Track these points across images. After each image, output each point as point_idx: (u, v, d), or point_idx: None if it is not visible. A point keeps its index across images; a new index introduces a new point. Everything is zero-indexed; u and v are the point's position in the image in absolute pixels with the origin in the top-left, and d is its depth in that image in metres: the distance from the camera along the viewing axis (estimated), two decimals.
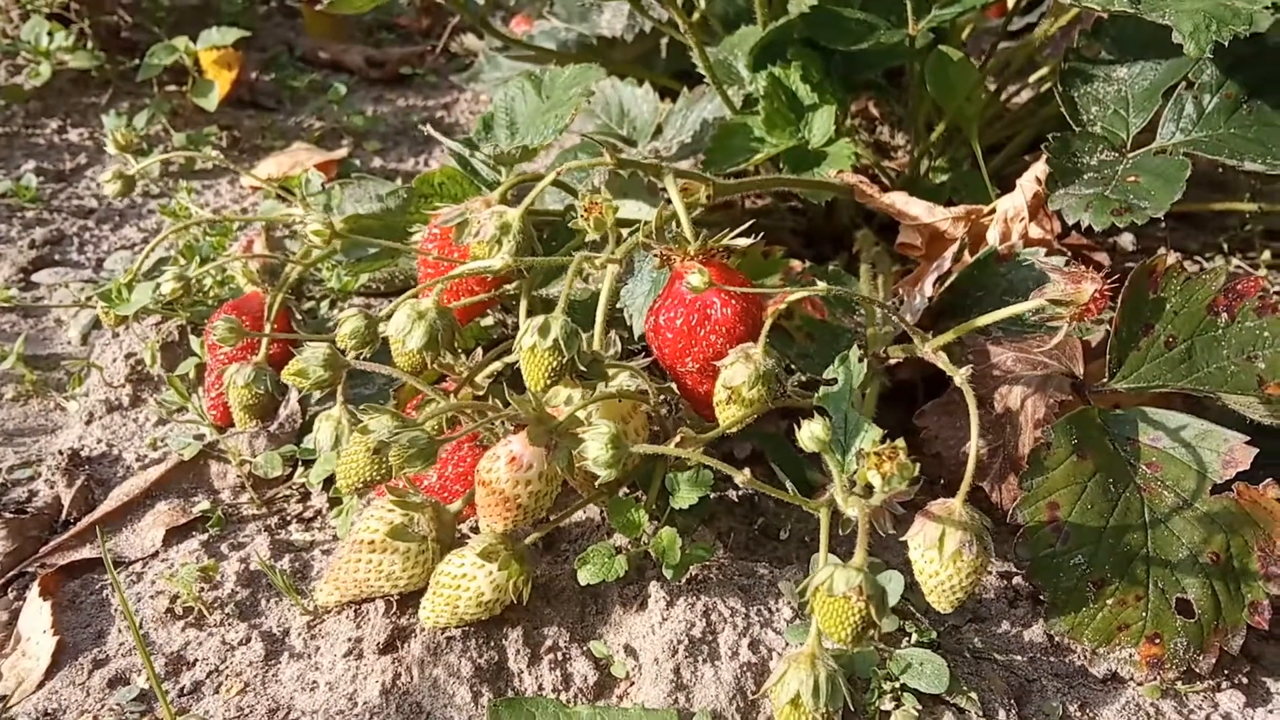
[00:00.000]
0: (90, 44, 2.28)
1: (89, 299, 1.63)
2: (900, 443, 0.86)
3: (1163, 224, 2.06)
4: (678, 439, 1.03)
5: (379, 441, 0.96)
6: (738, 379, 1.03)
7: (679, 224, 1.12)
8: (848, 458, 1.00)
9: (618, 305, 1.27)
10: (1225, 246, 1.99)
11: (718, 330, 1.08)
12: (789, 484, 1.00)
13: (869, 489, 0.88)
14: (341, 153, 2.19)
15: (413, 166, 2.28)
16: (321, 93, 2.50)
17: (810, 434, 0.90)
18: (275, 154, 2.17)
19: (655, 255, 1.11)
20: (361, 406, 1.02)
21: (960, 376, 1.01)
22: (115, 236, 1.91)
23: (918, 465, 0.85)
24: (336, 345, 1.09)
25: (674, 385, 1.15)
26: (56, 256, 1.83)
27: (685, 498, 1.09)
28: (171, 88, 2.32)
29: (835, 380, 1.08)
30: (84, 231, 1.91)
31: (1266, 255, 1.88)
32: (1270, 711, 1.11)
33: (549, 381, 0.98)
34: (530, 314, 1.17)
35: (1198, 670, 1.11)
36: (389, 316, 1.09)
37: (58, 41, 2.17)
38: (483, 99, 2.55)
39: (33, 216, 1.92)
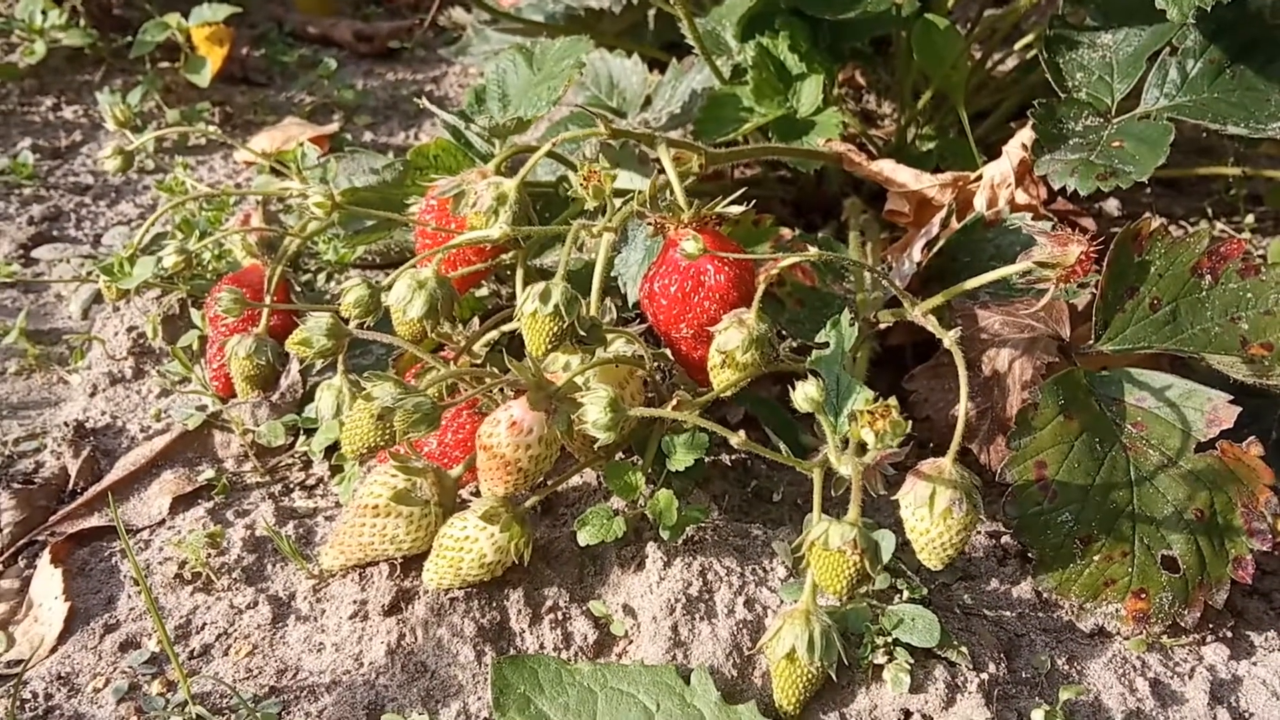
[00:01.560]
0: (83, 21, 2.28)
1: (90, 274, 1.65)
2: (892, 401, 0.88)
3: (1148, 189, 2.08)
4: (674, 402, 1.05)
5: (383, 407, 0.98)
6: (732, 343, 1.06)
7: (672, 193, 1.14)
8: (840, 419, 1.03)
9: (612, 274, 1.29)
10: (1210, 211, 2.01)
11: (711, 296, 1.11)
12: (782, 446, 1.02)
13: (862, 447, 0.90)
14: (333, 127, 2.20)
15: (404, 140, 2.29)
16: (311, 68, 2.50)
17: (804, 395, 0.92)
18: (267, 129, 2.18)
19: (649, 224, 1.13)
20: (365, 374, 1.04)
21: (949, 339, 1.04)
22: (112, 212, 1.92)
23: (910, 423, 0.88)
24: (339, 314, 1.10)
25: (668, 351, 1.18)
26: (55, 233, 1.84)
27: (681, 460, 1.12)
28: (164, 64, 2.33)
29: (827, 344, 1.10)
30: (81, 208, 1.92)
31: (1250, 219, 1.91)
32: (1254, 664, 1.14)
33: (550, 346, 1.00)
34: (527, 283, 1.20)
35: (1183, 624, 1.14)
36: (390, 286, 1.11)
37: (51, 20, 2.17)
38: (471, 72, 2.56)
39: (30, 194, 1.93)
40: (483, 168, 1.23)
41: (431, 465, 1.12)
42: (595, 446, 1.05)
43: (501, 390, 1.13)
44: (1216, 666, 1.13)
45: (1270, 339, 1.21)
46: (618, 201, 1.26)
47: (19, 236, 1.80)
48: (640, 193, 1.12)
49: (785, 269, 1.34)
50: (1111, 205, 1.99)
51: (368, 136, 2.27)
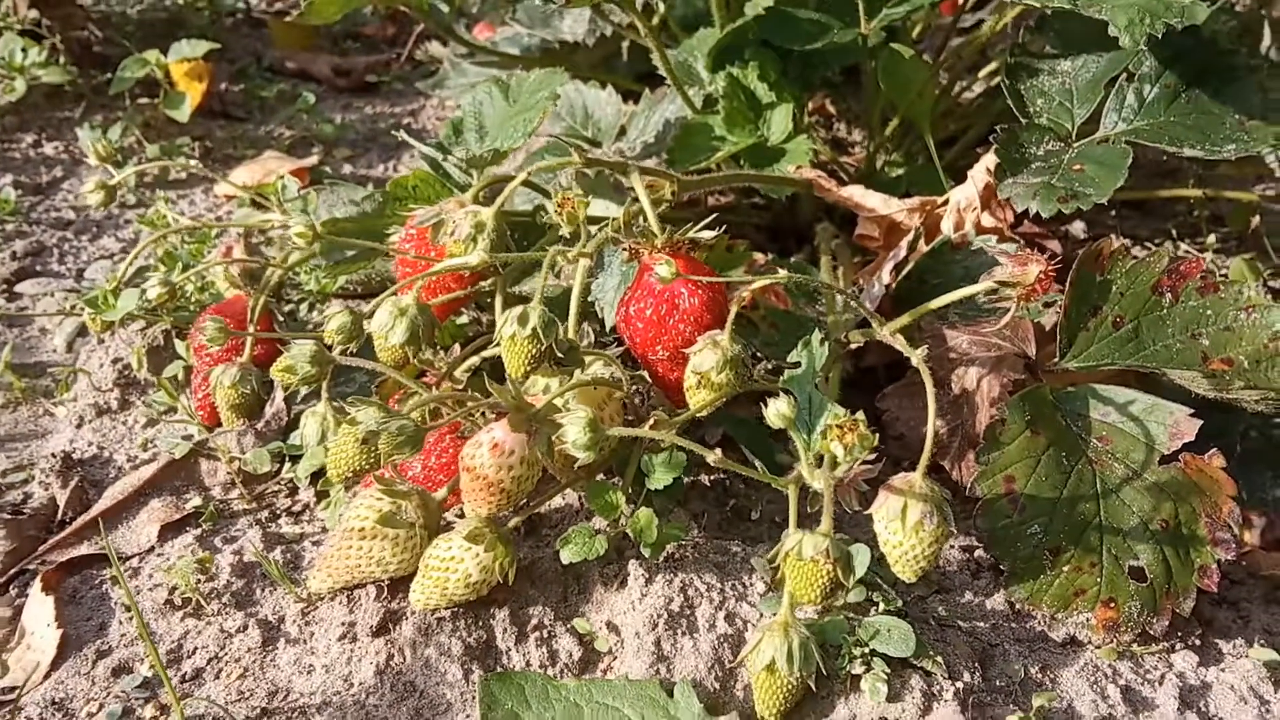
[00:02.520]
0: (63, 59, 2.31)
1: (74, 307, 1.67)
2: (860, 415, 0.91)
3: (1113, 212, 2.14)
4: (651, 422, 1.08)
5: (368, 431, 1.00)
6: (707, 364, 1.09)
7: (646, 219, 1.17)
8: (813, 436, 1.06)
9: (589, 299, 1.32)
10: (1174, 232, 2.06)
11: (686, 319, 1.14)
12: (758, 463, 1.05)
13: (834, 461, 0.93)
14: (312, 160, 2.23)
15: (382, 172, 2.32)
16: (290, 102, 2.54)
17: (776, 411, 0.95)
18: (247, 163, 2.21)
19: (624, 250, 1.16)
20: (349, 399, 1.07)
21: (917, 356, 1.07)
22: (94, 247, 1.94)
23: (878, 436, 0.91)
24: (323, 342, 1.13)
25: (645, 374, 1.21)
26: (38, 267, 1.86)
27: (660, 479, 1.14)
28: (143, 100, 2.35)
29: (799, 364, 1.14)
30: (63, 243, 1.94)
31: (1212, 239, 1.96)
32: (1223, 670, 1.17)
33: (529, 368, 1.03)
34: (506, 309, 1.23)
35: (1152, 633, 1.17)
36: (372, 314, 1.13)
37: (32, 57, 2.20)
38: (449, 105, 2.60)
39: (13, 229, 1.96)
40: (460, 197, 1.26)
41: (416, 488, 1.14)
42: (576, 467, 1.08)
43: (483, 414, 1.16)
44: (1186, 673, 1.16)
45: (1230, 354, 1.25)
46: (593, 228, 1.30)
47: (2, 272, 1.82)
48: (615, 220, 1.15)
49: (759, 293, 1.38)
50: (1077, 227, 2.04)
51: (347, 169, 2.30)
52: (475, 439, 1.05)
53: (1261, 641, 1.21)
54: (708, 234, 1.14)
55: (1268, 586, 1.32)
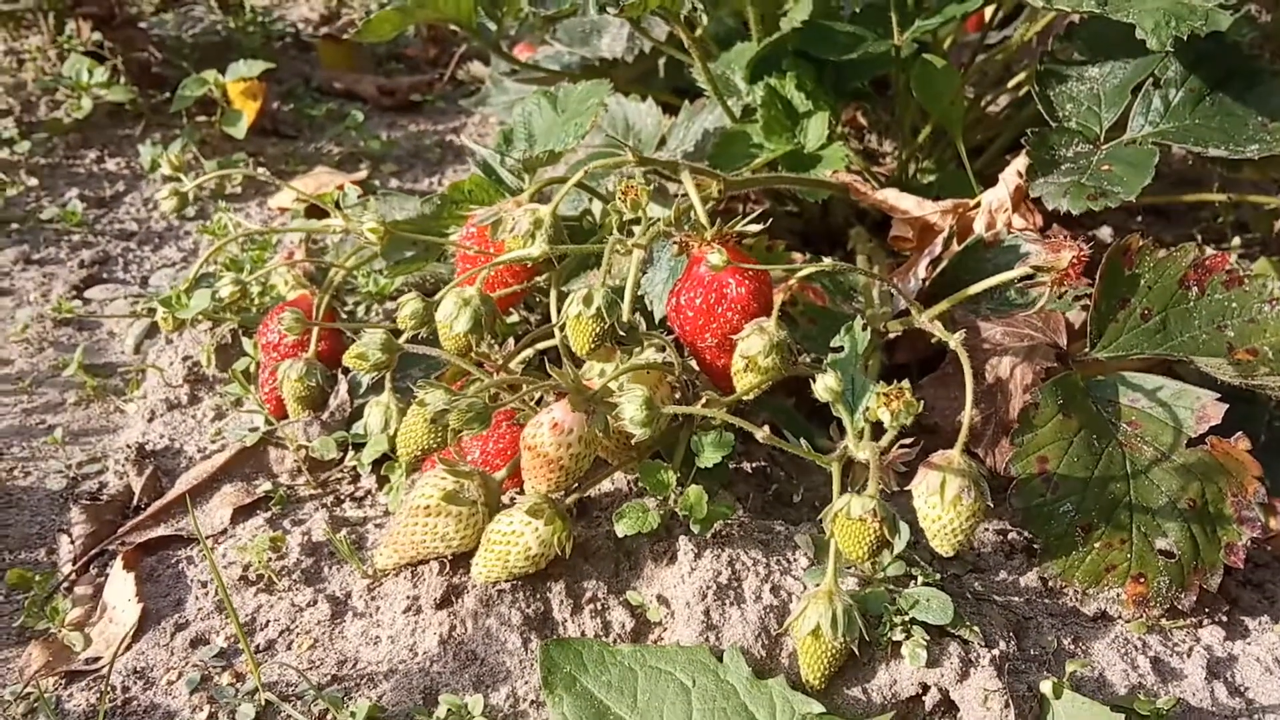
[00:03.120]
0: (124, 79, 2.41)
1: (143, 310, 1.75)
2: (905, 384, 0.97)
3: (1138, 217, 2.19)
4: (703, 401, 1.14)
5: (438, 409, 1.07)
6: (754, 349, 1.15)
7: (695, 216, 1.24)
8: (856, 415, 1.12)
9: (638, 293, 1.39)
10: (1198, 237, 2.11)
11: (733, 308, 1.20)
12: (803, 441, 1.11)
13: (878, 429, 0.99)
14: (361, 175, 2.32)
15: (427, 186, 2.40)
16: (338, 120, 2.63)
17: (824, 385, 1.02)
18: (299, 177, 2.29)
19: (674, 244, 1.23)
20: (417, 383, 1.14)
21: (954, 340, 1.13)
22: (156, 256, 2.03)
23: (922, 403, 0.97)
24: (396, 325, 1.20)
25: (693, 361, 1.27)
26: (105, 275, 1.95)
27: (710, 457, 1.20)
28: (200, 118, 2.45)
29: (841, 348, 1.20)
30: (127, 252, 2.03)
31: (1237, 241, 2.01)
32: (1249, 644, 1.22)
33: (593, 345, 1.09)
34: (559, 302, 1.30)
35: (1180, 607, 1.22)
36: (438, 304, 1.20)
37: (96, 78, 2.30)
38: (491, 121, 2.68)
39: (79, 239, 2.05)
40: (518, 198, 1.33)
41: (478, 469, 1.21)
42: (633, 444, 1.14)
43: (539, 400, 1.23)
44: (1213, 646, 1.21)
45: (1255, 344, 1.30)
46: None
47: (71, 279, 1.91)
48: (667, 215, 1.22)
49: (799, 290, 1.44)
50: (1105, 233, 2.09)
51: (393, 183, 2.39)
52: (536, 419, 1.12)
53: None
54: (754, 227, 1.20)
55: None
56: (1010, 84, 2.04)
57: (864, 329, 1.19)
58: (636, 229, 1.43)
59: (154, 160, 2.17)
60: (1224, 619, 1.25)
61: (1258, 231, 2.11)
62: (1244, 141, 1.46)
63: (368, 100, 2.79)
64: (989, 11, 2.15)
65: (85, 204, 2.16)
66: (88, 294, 1.88)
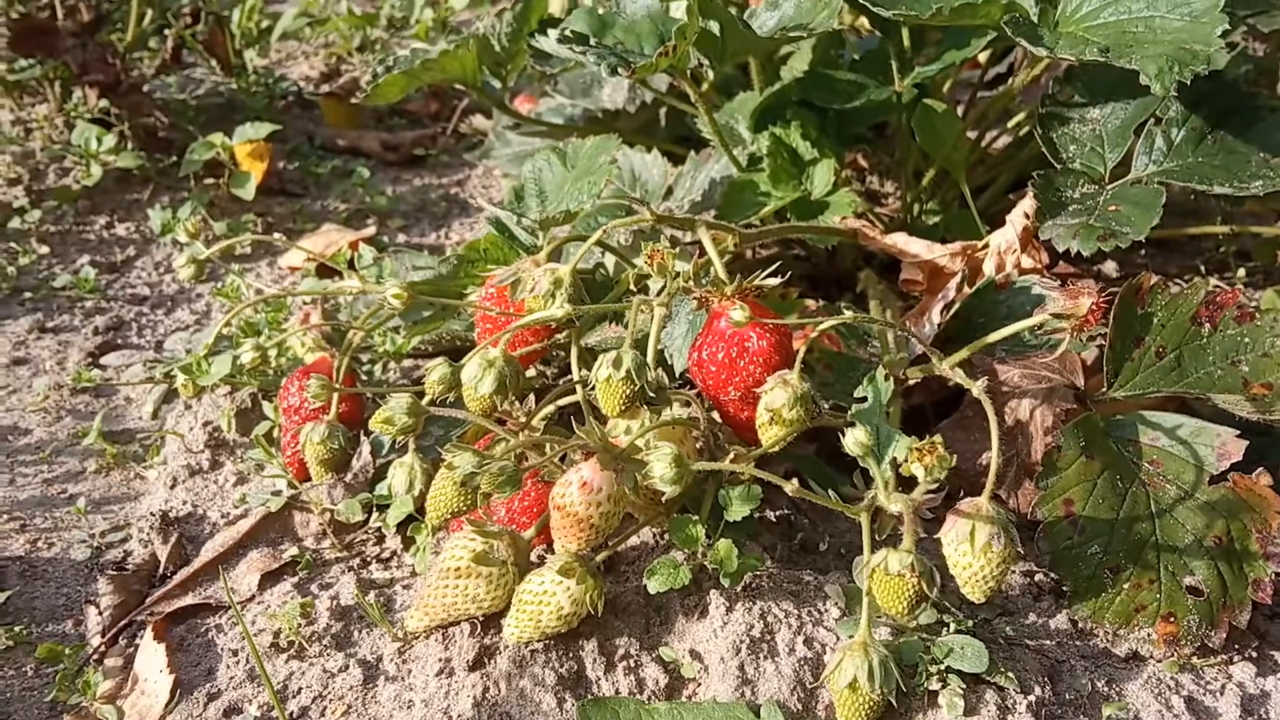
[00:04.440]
0: (131, 145, 2.43)
1: (165, 374, 1.76)
2: (938, 438, 0.98)
3: (1143, 251, 2.21)
4: (731, 456, 1.15)
5: (469, 473, 1.08)
6: (778, 401, 1.16)
7: (712, 271, 1.25)
8: (882, 465, 1.13)
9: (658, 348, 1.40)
10: (1203, 269, 2.13)
11: (756, 360, 1.21)
12: (830, 493, 1.12)
13: (907, 485, 1.00)
14: (369, 231, 2.33)
15: (435, 240, 2.42)
16: (344, 177, 2.65)
17: (854, 439, 1.03)
18: (308, 236, 2.31)
19: (694, 299, 1.24)
20: (444, 447, 1.14)
21: (977, 388, 1.14)
22: (170, 320, 2.05)
23: (955, 458, 0.98)
24: (415, 386, 1.21)
25: (717, 414, 1.28)
26: (119, 341, 1.96)
27: (738, 510, 1.21)
28: (208, 181, 2.47)
29: (865, 399, 1.21)
30: (141, 317, 2.05)
31: (1241, 273, 2.03)
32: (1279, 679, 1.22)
33: (624, 407, 1.10)
34: (580, 359, 1.31)
35: (1211, 645, 1.23)
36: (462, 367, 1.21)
37: (105, 144, 2.32)
38: (495, 173, 2.71)
39: (92, 306, 2.06)
40: (535, 257, 1.35)
41: (506, 529, 1.21)
42: (663, 501, 1.15)
43: (563, 458, 1.24)
44: (1245, 683, 1.21)
45: (1270, 379, 1.31)
46: (657, 283, 1.38)
47: (86, 346, 1.92)
48: (685, 271, 1.23)
49: (814, 337, 1.46)
50: (1110, 267, 2.11)
51: (400, 238, 2.41)
52: (565, 478, 1.13)
53: None
54: (772, 280, 1.21)
55: None
56: (1011, 123, 2.06)
57: (886, 378, 1.20)
58: (651, 283, 1.45)
59: (164, 224, 2.18)
60: (1254, 654, 1.26)
61: (1260, 261, 2.12)
62: (1247, 179, 1.48)
63: (372, 156, 2.81)
64: (984, 55, 2.19)
65: (97, 270, 2.17)
66: (103, 360, 1.89)
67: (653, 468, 1.07)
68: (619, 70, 1.41)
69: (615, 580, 1.30)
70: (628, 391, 1.10)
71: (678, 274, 1.20)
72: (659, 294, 1.22)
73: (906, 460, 0.99)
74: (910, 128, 1.84)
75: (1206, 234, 2.12)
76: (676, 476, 1.05)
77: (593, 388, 1.14)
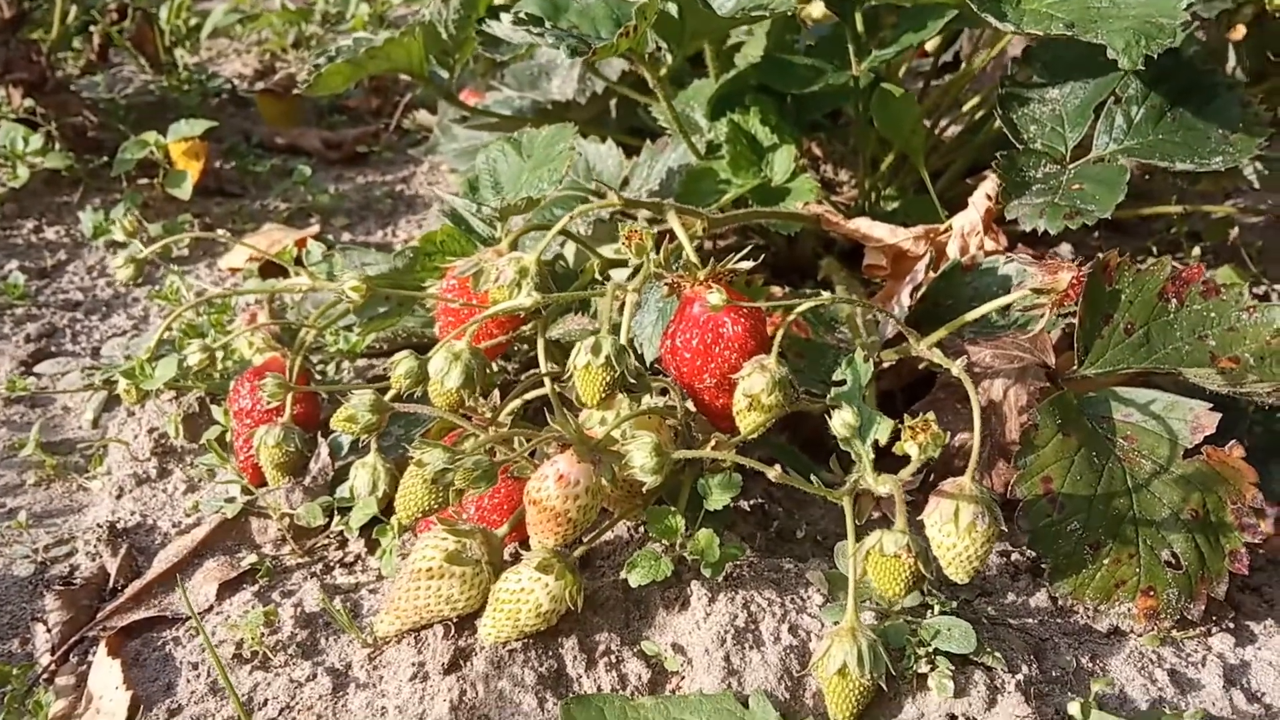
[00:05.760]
0: (59, 145, 2.34)
1: (105, 381, 1.69)
2: (930, 415, 0.96)
3: (1095, 233, 2.22)
4: (712, 443, 1.12)
5: (441, 469, 1.04)
6: (757, 387, 1.13)
7: (685, 255, 1.22)
8: (865, 447, 1.10)
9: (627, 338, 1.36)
10: (1155, 250, 2.15)
11: (731, 346, 1.18)
12: (813, 478, 1.09)
13: (884, 468, 0.98)
14: (313, 230, 2.27)
15: (382, 239, 2.36)
16: (283, 176, 2.58)
17: (841, 420, 1.00)
18: (249, 236, 2.24)
19: (666, 284, 1.21)
20: (414, 443, 1.10)
21: (957, 367, 1.12)
22: (105, 325, 1.97)
23: (948, 434, 0.96)
24: (370, 384, 1.16)
25: (691, 403, 1.25)
26: (53, 348, 1.88)
27: (719, 499, 1.18)
28: (141, 181, 2.39)
29: (844, 381, 1.18)
30: (74, 323, 1.96)
31: (1196, 252, 2.04)
32: (1259, 649, 1.22)
33: (603, 395, 1.07)
34: (546, 350, 1.27)
35: (1190, 618, 1.22)
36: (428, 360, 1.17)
37: (31, 145, 2.23)
38: (442, 169, 2.65)
39: (23, 313, 1.97)
40: (497, 247, 1.31)
41: (479, 526, 1.17)
42: (643, 491, 1.11)
43: (533, 454, 1.19)
44: (1225, 654, 1.21)
45: (1237, 352, 1.31)
46: (622, 272, 1.35)
47: (18, 354, 1.83)
48: (655, 258, 1.19)
49: (781, 324, 1.43)
50: (1064, 249, 2.11)
51: (346, 237, 2.35)
52: (540, 472, 1.09)
53: None
54: (745, 264, 1.18)
55: None
56: (966, 107, 2.06)
57: (865, 360, 1.18)
58: (614, 272, 1.42)
59: (97, 227, 2.10)
60: (1231, 625, 1.26)
61: (1210, 240, 2.14)
62: (1207, 155, 1.49)
63: (312, 154, 2.74)
64: (932, 44, 2.19)
65: (26, 275, 2.08)
66: (37, 369, 1.81)
67: (632, 457, 1.03)
68: (579, 51, 1.37)
69: (591, 576, 1.26)
70: (608, 378, 1.06)
71: (638, 265, 1.17)
72: (631, 279, 1.18)
73: (899, 439, 0.96)
74: (868, 113, 1.82)
75: (1158, 215, 2.13)
76: (657, 466, 1.02)
77: (567, 378, 1.10)
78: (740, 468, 1.22)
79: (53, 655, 1.24)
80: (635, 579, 1.14)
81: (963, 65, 2.15)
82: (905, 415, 1.00)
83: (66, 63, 2.83)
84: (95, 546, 1.38)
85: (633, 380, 1.08)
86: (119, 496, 1.49)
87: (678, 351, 1.20)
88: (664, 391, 1.18)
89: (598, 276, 1.33)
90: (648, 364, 1.33)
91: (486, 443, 1.15)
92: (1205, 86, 1.56)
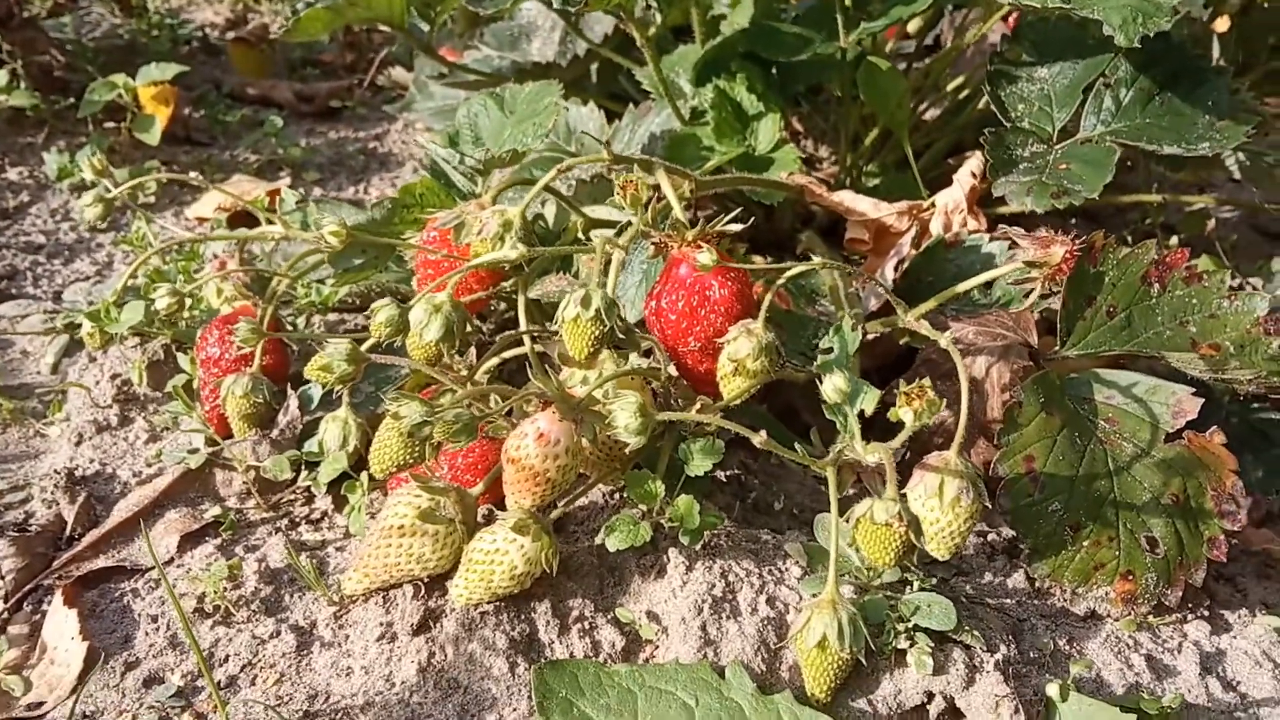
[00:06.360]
0: (24, 83, 2.27)
1: (67, 325, 1.63)
2: (926, 381, 0.94)
3: (1072, 219, 2.22)
4: (697, 406, 1.09)
5: (418, 422, 1.01)
6: (742, 351, 1.11)
7: (671, 215, 1.19)
8: (852, 415, 1.08)
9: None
10: (1129, 239, 2.14)
11: (717, 310, 1.16)
12: (798, 446, 1.07)
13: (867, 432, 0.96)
14: (283, 183, 2.22)
15: (353, 194, 2.32)
16: (254, 128, 2.52)
17: (832, 385, 0.98)
18: (218, 186, 2.18)
19: (652, 244, 1.18)
20: (388, 396, 1.07)
21: (945, 340, 1.10)
22: (68, 270, 1.91)
23: (943, 402, 0.94)
24: (370, 334, 1.13)
25: (673, 367, 1.22)
26: (14, 291, 1.82)
27: (699, 465, 1.16)
28: (108, 125, 2.32)
29: (831, 349, 1.16)
30: (36, 266, 1.90)
31: (1174, 241, 2.04)
32: (1234, 637, 1.22)
33: (593, 349, 1.04)
34: (527, 308, 1.24)
35: (1167, 604, 1.22)
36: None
37: None
38: (417, 127, 2.60)
39: None
40: (480, 199, 1.27)
41: (453, 485, 1.14)
42: (624, 454, 1.09)
43: (509, 414, 1.17)
44: (1201, 641, 1.21)
45: (1216, 339, 1.30)
46: (606, 231, 1.32)
47: None
48: (642, 216, 1.17)
49: (762, 294, 1.41)
50: (1041, 233, 2.10)
51: (317, 192, 2.30)
52: (520, 430, 1.06)
53: (1262, 610, 1.27)
54: (735, 226, 1.16)
55: (1258, 562, 1.38)
56: (949, 87, 2.04)
57: (854, 328, 1.16)
58: (597, 233, 1.39)
59: (61, 169, 2.04)
60: (1206, 614, 1.26)
61: (1186, 232, 2.15)
62: (1195, 140, 1.48)
63: (284, 106, 2.68)
64: (913, 25, 2.17)
65: None
66: None
67: (616, 417, 1.01)
68: (570, 3, 1.34)
69: (566, 540, 1.24)
70: (597, 332, 1.03)
71: (620, 226, 1.14)
72: (618, 235, 1.15)
73: (894, 406, 0.94)
74: (853, 87, 1.80)
75: (1134, 205, 2.13)
76: (641, 427, 1.00)
77: (552, 334, 1.08)
78: (721, 434, 1.19)
79: (5, 603, 1.20)
80: (614, 543, 1.12)
81: (943, 48, 2.14)
82: (901, 381, 0.98)
83: (34, 2, 2.74)
84: (52, 494, 1.34)
85: (621, 336, 1.05)
86: (78, 443, 1.44)
87: (662, 313, 1.18)
88: (648, 353, 1.16)
89: (580, 236, 1.30)
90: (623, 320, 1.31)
91: (463, 399, 1.12)
92: (1194, 71, 1.55)
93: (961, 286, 1.18)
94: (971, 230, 1.61)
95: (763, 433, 1.00)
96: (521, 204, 1.19)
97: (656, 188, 1.22)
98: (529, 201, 1.18)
